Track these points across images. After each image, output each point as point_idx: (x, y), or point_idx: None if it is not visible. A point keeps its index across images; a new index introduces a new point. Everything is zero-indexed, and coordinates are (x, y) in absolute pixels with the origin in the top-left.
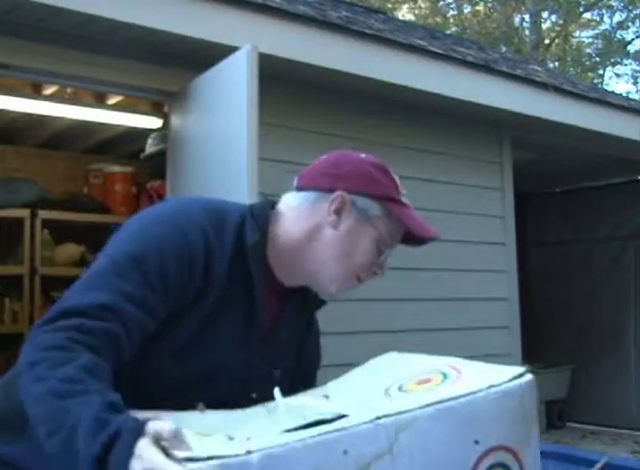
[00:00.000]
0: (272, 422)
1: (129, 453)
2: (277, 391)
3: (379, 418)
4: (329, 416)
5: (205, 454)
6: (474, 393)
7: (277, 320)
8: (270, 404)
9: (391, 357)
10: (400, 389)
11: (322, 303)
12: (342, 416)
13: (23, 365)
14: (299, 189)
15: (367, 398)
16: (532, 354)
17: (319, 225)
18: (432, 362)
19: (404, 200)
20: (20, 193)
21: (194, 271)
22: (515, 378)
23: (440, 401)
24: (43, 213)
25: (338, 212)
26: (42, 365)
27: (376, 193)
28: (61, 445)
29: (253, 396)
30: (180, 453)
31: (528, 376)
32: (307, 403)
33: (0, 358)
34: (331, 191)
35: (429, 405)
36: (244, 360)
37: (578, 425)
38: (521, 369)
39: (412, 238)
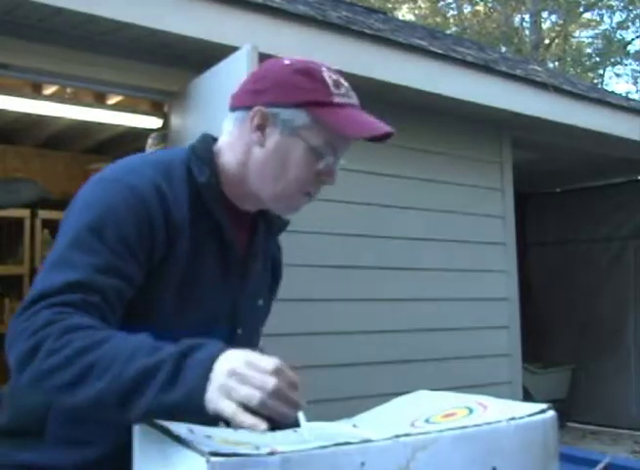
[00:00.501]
0: (300, 441)
1: (215, 355)
2: (300, 414)
3: (398, 436)
4: (355, 440)
5: (229, 451)
6: (495, 422)
7: (250, 250)
8: (298, 429)
9: (421, 395)
10: (427, 421)
11: (285, 223)
12: (368, 440)
13: (19, 357)
14: (231, 110)
15: (394, 427)
16: (532, 354)
17: (249, 145)
18: (460, 399)
19: (338, 100)
20: (20, 193)
21: (154, 224)
22: (537, 413)
23: (462, 427)
24: (43, 213)
25: (261, 129)
26: (47, 342)
27: (299, 100)
28: (115, 379)
29: (239, 331)
30: (205, 447)
31: (551, 412)
32: (335, 429)
33: (0, 358)
34: (252, 107)
35: (450, 430)
36: (230, 299)
37: (578, 425)
38: (544, 406)
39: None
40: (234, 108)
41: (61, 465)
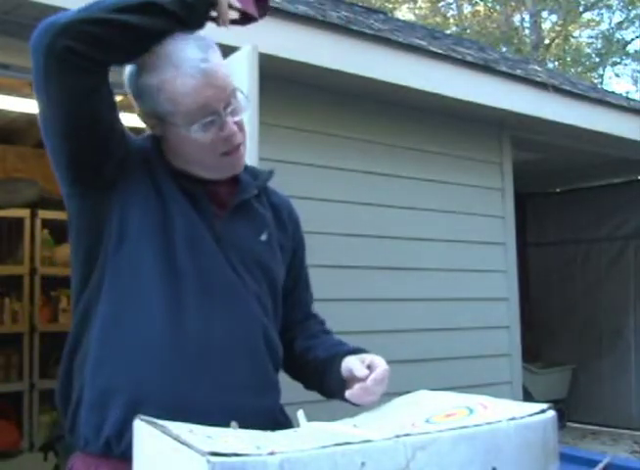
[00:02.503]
0: (300, 441)
1: None
2: (301, 413)
3: (398, 436)
4: (355, 440)
5: (229, 451)
6: (495, 422)
7: (238, 193)
8: (299, 428)
9: (421, 395)
10: (427, 421)
11: (269, 173)
12: (368, 440)
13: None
14: None
15: (394, 427)
16: (532, 354)
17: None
18: (460, 399)
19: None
20: (20, 193)
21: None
22: (537, 413)
23: (462, 427)
24: (43, 213)
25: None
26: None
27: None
28: None
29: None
30: (205, 448)
31: (551, 412)
32: (335, 429)
33: (0, 358)
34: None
35: (450, 429)
36: (213, 227)
37: (578, 425)
38: (544, 406)
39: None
40: None
41: None
